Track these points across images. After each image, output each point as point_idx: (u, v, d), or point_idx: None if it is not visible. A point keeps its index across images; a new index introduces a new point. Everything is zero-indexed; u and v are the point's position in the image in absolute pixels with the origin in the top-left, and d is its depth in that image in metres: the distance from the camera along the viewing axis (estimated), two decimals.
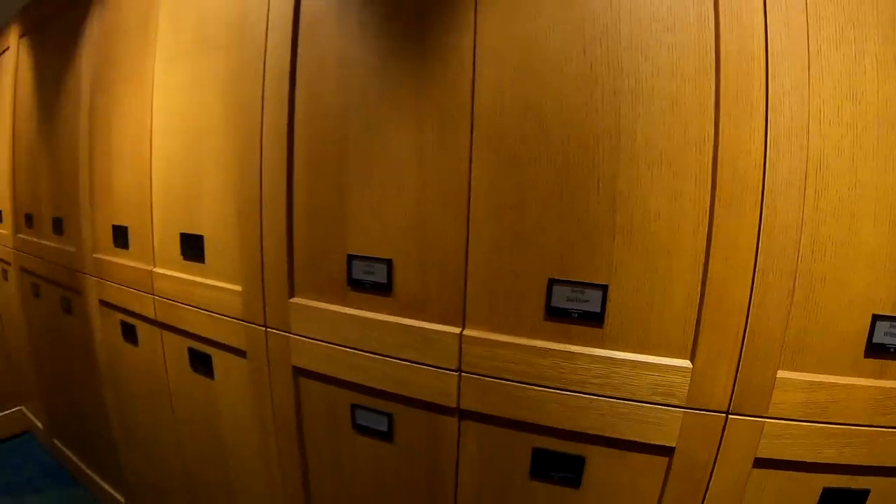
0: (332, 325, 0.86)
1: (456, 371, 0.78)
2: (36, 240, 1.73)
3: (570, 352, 0.70)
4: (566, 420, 0.71)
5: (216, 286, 1.00)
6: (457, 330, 0.77)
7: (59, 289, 1.63)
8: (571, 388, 0.70)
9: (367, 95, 0.79)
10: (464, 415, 0.80)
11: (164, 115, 1.08)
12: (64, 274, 1.54)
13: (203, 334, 1.05)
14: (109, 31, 1.26)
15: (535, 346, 0.71)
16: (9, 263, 2.12)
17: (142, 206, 1.15)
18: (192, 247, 1.02)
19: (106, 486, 1.83)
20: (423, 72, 0.75)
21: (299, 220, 0.89)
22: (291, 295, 0.90)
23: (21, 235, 1.90)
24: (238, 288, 0.96)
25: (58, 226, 1.54)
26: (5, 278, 2.25)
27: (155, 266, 1.14)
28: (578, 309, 0.68)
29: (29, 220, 1.76)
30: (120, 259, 1.25)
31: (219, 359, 1.06)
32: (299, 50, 0.84)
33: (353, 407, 0.89)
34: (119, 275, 1.26)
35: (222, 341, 1.02)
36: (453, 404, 0.79)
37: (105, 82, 1.26)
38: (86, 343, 1.54)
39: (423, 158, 0.76)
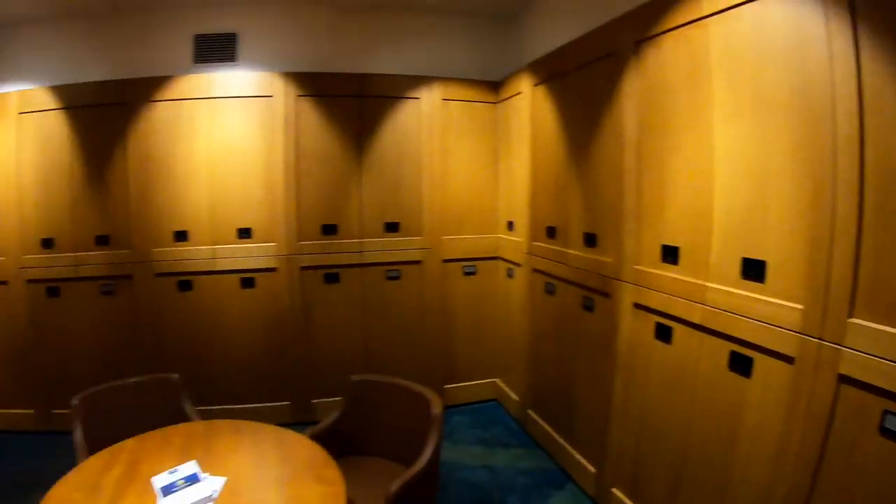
0: (887, 343, 1.28)
1: None
2: (560, 248, 2.77)
3: None
4: None
5: (774, 302, 1.56)
6: None
7: (580, 290, 2.61)
8: None
9: None
10: None
11: (727, 160, 1.72)
12: (592, 278, 2.47)
13: (750, 340, 1.64)
14: (653, 86, 2.04)
15: None
16: (518, 265, 3.32)
17: (698, 232, 1.84)
18: (754, 269, 1.62)
19: (576, 454, 2.73)
20: None
21: (866, 257, 1.33)
22: (850, 315, 1.38)
23: (537, 243, 3.03)
24: (799, 306, 1.48)
25: (590, 240, 2.49)
26: (510, 276, 3.46)
27: (708, 281, 1.82)
28: None
29: (551, 232, 2.84)
30: (667, 273, 2.01)
31: (761, 362, 1.61)
32: (865, 119, 1.30)
33: (885, 413, 1.28)
34: (664, 285, 2.01)
35: (770, 347, 1.57)
36: None
37: (654, 127, 2.04)
38: (603, 336, 2.41)
39: None
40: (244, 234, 3.33)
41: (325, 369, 3.50)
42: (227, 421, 2.09)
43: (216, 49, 3.39)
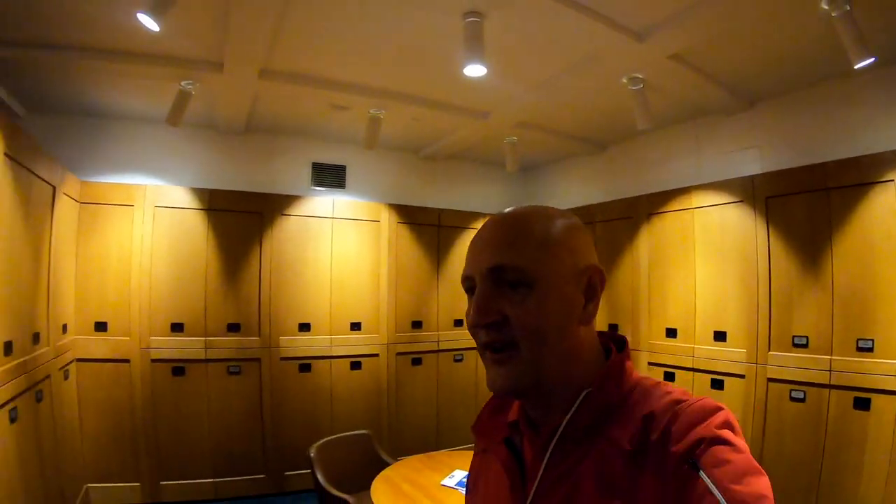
0: (785, 360, 3.11)
1: None
2: None
3: None
4: None
5: (732, 350, 3.38)
6: None
7: None
8: None
9: None
10: None
11: (702, 282, 3.59)
12: None
13: (722, 370, 3.43)
14: (656, 236, 3.94)
15: None
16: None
17: (687, 319, 3.65)
18: (720, 335, 3.45)
19: None
20: None
21: (773, 324, 3.29)
22: (769, 350, 3.45)
23: None
24: (744, 350, 3.29)
25: (612, 327, 4.30)
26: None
27: (695, 344, 3.62)
28: None
29: None
30: (669, 342, 3.80)
31: (728, 381, 3.43)
32: (771, 262, 3.28)
33: (790, 391, 3.09)
34: (668, 349, 3.79)
35: (732, 372, 3.35)
36: None
37: (658, 263, 3.91)
38: None
39: None
40: (355, 326, 4.67)
41: (407, 432, 4.80)
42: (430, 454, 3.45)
43: (329, 176, 4.94)
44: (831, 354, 3.01)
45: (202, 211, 4.16)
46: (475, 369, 5.25)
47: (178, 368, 4.04)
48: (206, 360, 4.12)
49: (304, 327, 4.50)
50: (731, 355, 3.47)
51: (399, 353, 4.85)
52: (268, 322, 4.32)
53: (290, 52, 3.20)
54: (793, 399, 3.15)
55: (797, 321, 3.19)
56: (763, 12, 2.59)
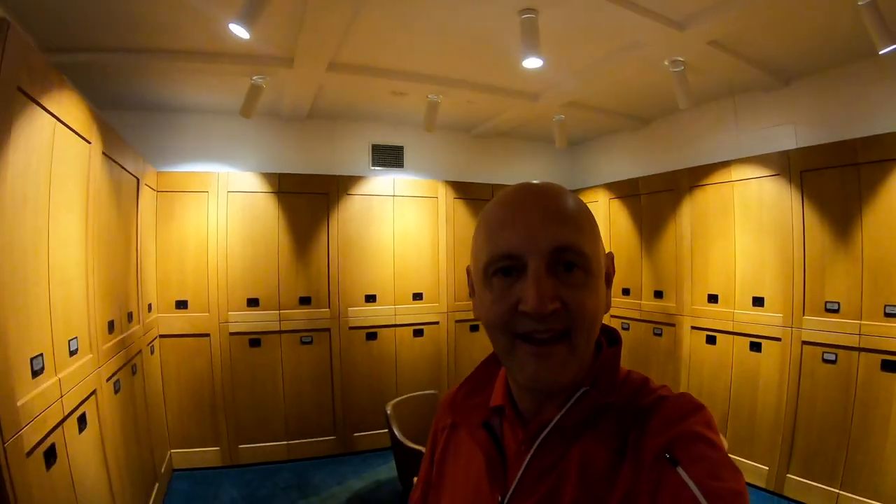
0: (819, 324, 3.41)
1: None
2: (637, 301, 4.83)
3: None
4: None
5: (769, 315, 3.70)
6: None
7: (651, 324, 4.66)
8: None
9: None
10: None
11: (741, 253, 3.89)
12: (659, 316, 4.56)
13: (759, 334, 3.76)
14: (698, 207, 4.21)
15: None
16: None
17: (728, 286, 3.95)
18: (758, 301, 3.73)
19: None
20: None
21: (807, 290, 3.73)
22: (803, 315, 3.76)
23: (623, 298, 5.06)
24: (780, 315, 3.60)
25: (659, 294, 4.59)
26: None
27: (735, 309, 3.95)
28: None
29: (626, 292, 4.90)
30: (711, 307, 4.10)
31: (766, 344, 3.67)
32: (805, 234, 3.54)
33: (823, 353, 3.42)
34: (709, 314, 4.11)
35: (769, 335, 3.67)
36: None
37: (700, 234, 4.20)
38: (672, 349, 4.45)
39: None
40: (417, 296, 5.02)
41: None
42: None
43: (388, 156, 5.28)
44: (861, 319, 3.30)
45: (272, 194, 4.52)
46: None
47: (255, 340, 4.43)
48: (280, 332, 4.52)
49: (370, 298, 4.89)
50: (768, 319, 3.78)
51: (458, 321, 5.26)
52: (336, 294, 4.72)
53: (357, 47, 3.45)
54: (825, 361, 3.46)
55: (829, 288, 3.48)
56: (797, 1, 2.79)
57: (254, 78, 3.81)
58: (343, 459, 4.68)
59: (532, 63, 3.17)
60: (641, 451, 0.65)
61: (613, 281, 0.78)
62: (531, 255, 0.69)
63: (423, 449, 3.07)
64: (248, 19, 2.62)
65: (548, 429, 0.74)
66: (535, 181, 0.77)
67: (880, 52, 2.77)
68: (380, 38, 3.36)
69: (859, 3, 2.66)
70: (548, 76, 3.96)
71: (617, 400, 0.73)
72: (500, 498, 0.75)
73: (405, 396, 3.83)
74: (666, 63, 3.59)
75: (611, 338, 0.81)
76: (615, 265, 0.80)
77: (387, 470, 4.48)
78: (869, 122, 3.45)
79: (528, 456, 0.74)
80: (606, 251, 0.78)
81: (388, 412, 3.51)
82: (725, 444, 0.68)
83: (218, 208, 4.33)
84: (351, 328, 4.78)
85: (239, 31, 2.69)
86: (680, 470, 0.61)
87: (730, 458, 0.63)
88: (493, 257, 0.71)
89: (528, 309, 0.67)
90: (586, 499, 0.68)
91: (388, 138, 5.37)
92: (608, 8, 2.87)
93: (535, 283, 0.67)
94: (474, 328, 5.33)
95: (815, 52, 3.51)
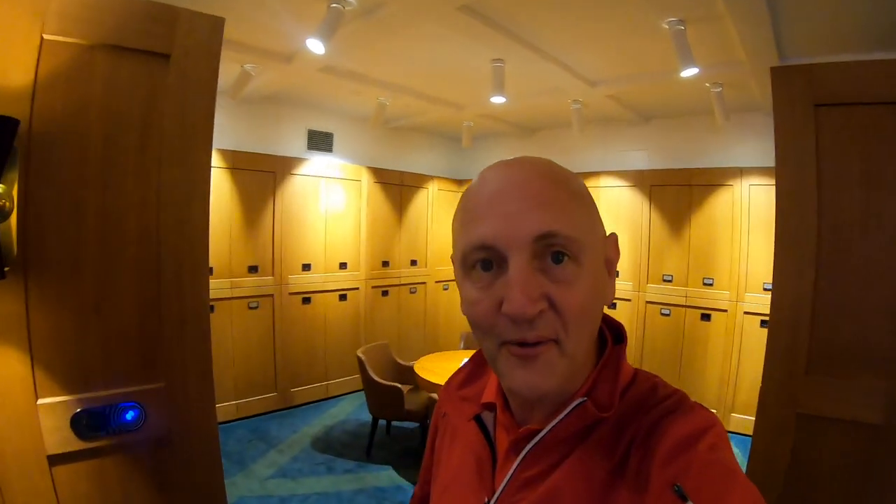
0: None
1: None
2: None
3: None
4: None
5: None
6: None
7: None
8: None
9: None
10: None
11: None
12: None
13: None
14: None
15: None
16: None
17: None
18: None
19: None
20: None
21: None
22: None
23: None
24: None
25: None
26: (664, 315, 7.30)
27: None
28: None
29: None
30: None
31: None
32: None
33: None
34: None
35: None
36: None
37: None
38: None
39: None
40: (343, 266, 5.86)
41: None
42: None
43: (320, 141, 5.72)
44: (687, 286, 5.24)
45: (226, 169, 4.94)
46: (424, 299, 7.05)
47: (209, 307, 5.04)
48: (231, 298, 5.01)
49: (306, 267, 5.59)
50: (623, 286, 5.57)
51: (373, 287, 6.28)
52: (280, 263, 5.33)
53: (346, 55, 3.94)
54: (662, 315, 5.38)
55: (666, 264, 5.40)
56: (655, 86, 4.43)
57: (246, 65, 4.18)
58: (286, 412, 5.39)
59: (498, 100, 4.45)
60: (645, 478, 0.59)
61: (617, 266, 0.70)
62: (511, 248, 0.61)
63: (397, 385, 4.09)
64: (325, 35, 3.01)
65: (534, 441, 0.68)
66: (514, 157, 0.71)
67: (681, 74, 3.42)
68: (368, 49, 3.90)
69: (666, 28, 3.22)
70: (477, 96, 4.95)
71: (616, 413, 0.66)
72: (486, 499, 0.72)
73: (369, 346, 4.69)
74: (569, 101, 5.03)
75: (616, 333, 0.74)
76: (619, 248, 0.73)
77: (328, 417, 5.36)
78: (700, 158, 5.32)
79: (517, 461, 0.70)
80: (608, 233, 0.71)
81: (361, 357, 4.26)
82: (738, 463, 0.59)
83: None
84: (291, 294, 5.44)
85: (316, 46, 3.12)
86: None
87: (744, 476, 0.56)
88: (468, 247, 0.64)
89: (510, 312, 0.59)
90: None
91: (321, 124, 5.87)
92: (547, 65, 4.13)
93: (516, 281, 0.59)
94: (385, 293, 6.49)
95: (670, 105, 5.16)
